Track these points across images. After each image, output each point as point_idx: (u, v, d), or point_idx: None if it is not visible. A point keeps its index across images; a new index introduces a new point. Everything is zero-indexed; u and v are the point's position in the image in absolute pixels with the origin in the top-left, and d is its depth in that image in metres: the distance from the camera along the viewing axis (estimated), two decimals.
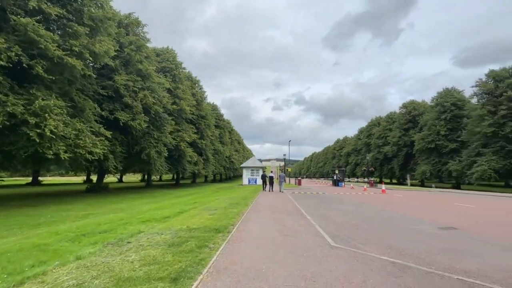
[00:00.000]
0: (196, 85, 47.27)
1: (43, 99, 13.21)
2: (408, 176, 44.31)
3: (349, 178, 59.85)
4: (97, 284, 2.87)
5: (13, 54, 12.32)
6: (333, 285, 2.88)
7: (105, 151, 18.90)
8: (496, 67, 35.20)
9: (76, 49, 15.59)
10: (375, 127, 63.52)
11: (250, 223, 6.85)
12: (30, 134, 12.61)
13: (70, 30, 16.16)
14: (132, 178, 67.74)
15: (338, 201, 13.67)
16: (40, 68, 13.36)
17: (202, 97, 46.26)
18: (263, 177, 23.36)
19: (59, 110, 14.57)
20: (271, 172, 23.93)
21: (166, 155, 27.61)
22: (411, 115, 50.51)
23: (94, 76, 19.57)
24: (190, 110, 36.47)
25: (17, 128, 13.06)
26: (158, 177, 65.53)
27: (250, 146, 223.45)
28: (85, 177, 44.83)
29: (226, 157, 59.40)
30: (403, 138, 50.11)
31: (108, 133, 19.39)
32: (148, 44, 27.83)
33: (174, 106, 31.36)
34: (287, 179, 34.61)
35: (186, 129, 35.47)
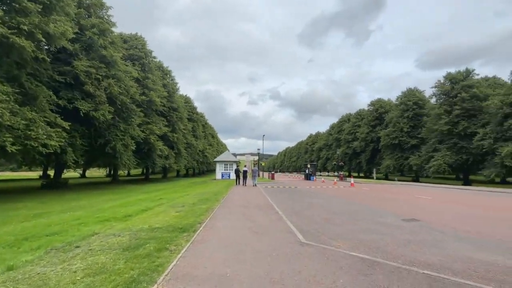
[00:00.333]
0: (168, 75, 45.14)
1: None
2: (374, 170, 46.93)
3: (320, 172, 61.92)
4: None
5: None
6: None
7: (62, 143, 17.20)
8: (453, 70, 38.25)
9: (25, 28, 13.80)
10: (346, 123, 66.16)
11: (218, 221, 6.56)
12: None
13: (17, 5, 14.21)
14: (97, 173, 63.41)
15: (309, 195, 13.87)
16: None
17: (174, 88, 44.30)
18: (237, 172, 23.40)
19: (4, 96, 12.87)
20: (245, 166, 23.77)
21: (134, 148, 26.01)
22: (378, 112, 53.29)
23: (49, 60, 17.64)
24: (161, 102, 34.68)
25: None
26: (126, 172, 62.22)
27: (225, 140, 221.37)
28: (41, 172, 40.88)
29: (200, 151, 57.94)
30: (371, 134, 52.82)
31: (66, 124, 17.67)
32: (114, 29, 25.72)
33: (143, 97, 29.57)
34: (260, 173, 34.78)
35: (157, 122, 33.77)
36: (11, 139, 12.95)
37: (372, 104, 56.37)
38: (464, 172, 35.83)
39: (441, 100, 37.84)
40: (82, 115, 19.54)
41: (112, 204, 11.49)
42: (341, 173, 39.26)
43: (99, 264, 3.32)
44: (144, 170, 46.02)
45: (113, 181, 34.79)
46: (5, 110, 12.44)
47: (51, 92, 17.71)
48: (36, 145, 14.64)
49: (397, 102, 47.62)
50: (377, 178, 44.77)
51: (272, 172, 41.91)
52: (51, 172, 33.63)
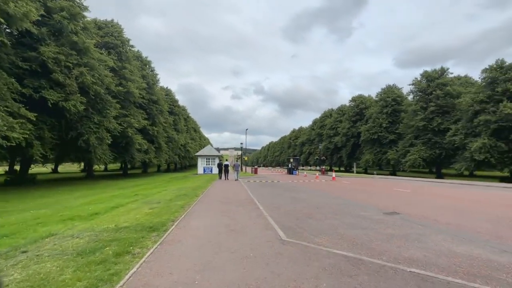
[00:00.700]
0: (147, 66, 43.17)
1: None
2: (354, 164, 48.17)
3: (303, 166, 62.70)
4: None
5: None
6: None
7: (27, 136, 15.84)
8: (429, 69, 39.80)
9: None
10: (328, 119, 67.19)
11: (194, 218, 6.14)
12: None
13: None
14: (72, 168, 60.05)
15: (292, 189, 13.75)
16: None
17: (154, 80, 42.49)
18: (219, 166, 23.25)
19: None
20: (226, 160, 23.45)
21: (110, 142, 24.62)
22: (359, 108, 54.51)
23: (9, 43, 16.06)
24: (140, 94, 33.04)
25: None
26: (103, 167, 59.51)
27: (208, 134, 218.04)
28: (7, 167, 37.88)
29: (181, 145, 56.45)
30: (352, 130, 54.02)
31: (32, 115, 16.28)
32: (87, 14, 23.89)
33: (120, 88, 27.95)
34: (243, 167, 34.51)
35: (135, 114, 32.20)
36: None
37: (353, 100, 57.51)
38: (437, 166, 37.65)
39: (417, 97, 39.29)
40: (50, 105, 18.06)
41: (83, 201, 10.67)
42: (323, 167, 39.89)
43: (42, 274, 2.81)
44: (123, 165, 44.14)
45: (88, 176, 32.99)
46: None
47: (13, 80, 16.14)
48: None
49: (377, 99, 48.92)
50: (357, 172, 46.03)
51: (255, 167, 41.74)
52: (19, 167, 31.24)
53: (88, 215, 6.50)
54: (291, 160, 36.58)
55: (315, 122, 75.66)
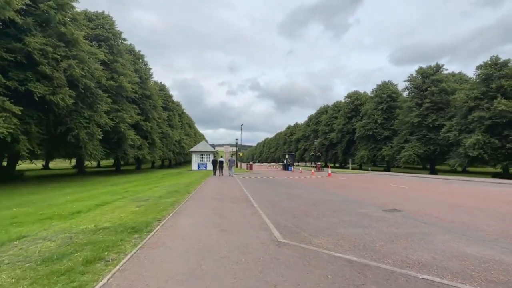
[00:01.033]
0: (140, 60, 42.16)
1: None
2: (350, 161, 48.26)
3: (298, 162, 62.67)
4: None
5: None
6: None
7: (12, 130, 15.16)
8: (425, 65, 39.77)
9: None
10: (323, 115, 67.09)
11: (183, 217, 5.74)
12: None
13: None
14: (64, 164, 58.82)
15: (287, 186, 13.47)
16: None
17: (147, 74, 41.54)
18: (214, 162, 22.93)
19: None
20: (221, 157, 23.16)
21: (101, 137, 23.93)
22: (354, 104, 54.45)
23: None
24: (132, 88, 32.22)
25: None
26: (96, 163, 58.46)
27: (204, 131, 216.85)
28: None
29: (176, 141, 55.67)
30: (347, 126, 54.02)
31: (17, 109, 15.57)
32: (77, 5, 22.93)
33: (111, 82, 27.16)
34: (238, 164, 34.21)
35: (128, 109, 31.40)
36: None
37: (348, 96, 57.42)
38: (431, 162, 37.88)
39: (412, 94, 39.33)
40: (37, 99, 17.32)
41: (69, 199, 10.17)
42: (318, 163, 39.81)
43: None
44: (116, 162, 43.31)
45: (79, 173, 32.25)
46: None
47: None
48: None
49: (372, 95, 48.90)
50: (352, 168, 46.12)
51: (251, 163, 41.42)
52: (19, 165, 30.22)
53: (69, 214, 6.06)
54: (287, 156, 36.38)
55: (310, 118, 75.53)
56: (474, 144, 26.79)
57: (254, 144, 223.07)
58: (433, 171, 36.45)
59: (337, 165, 63.34)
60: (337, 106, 62.26)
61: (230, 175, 20.75)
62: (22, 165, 31.28)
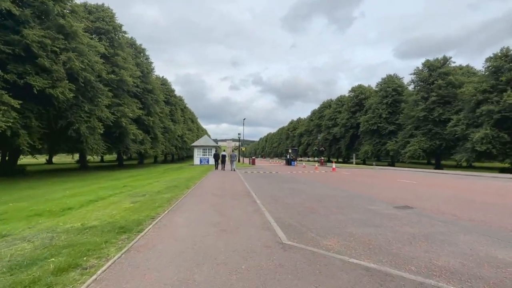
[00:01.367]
0: (142, 54, 41.76)
1: None
2: (354, 155, 47.74)
3: (301, 157, 62.25)
4: None
5: None
6: None
7: (11, 124, 14.95)
8: (431, 59, 38.75)
9: None
10: (327, 109, 66.33)
11: (179, 214, 5.37)
12: None
13: None
14: (67, 159, 59.13)
15: (291, 181, 13.12)
16: None
17: (148, 68, 41.12)
18: (215, 156, 22.87)
19: None
20: (223, 151, 22.97)
21: (102, 131, 23.74)
22: (359, 98, 53.62)
23: None
24: (134, 82, 31.91)
25: None
26: (99, 157, 58.63)
27: (206, 126, 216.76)
28: None
29: (178, 136, 55.51)
30: (351, 120, 53.32)
31: (16, 102, 15.35)
32: None
33: (112, 76, 26.87)
34: (240, 158, 33.98)
35: (129, 104, 31.13)
36: None
37: (353, 90, 56.53)
38: (436, 156, 37.23)
39: (418, 87, 38.48)
40: (36, 92, 17.07)
41: (67, 193, 9.94)
42: (322, 158, 39.37)
43: None
44: (118, 156, 43.27)
45: (82, 167, 32.24)
46: None
47: None
48: None
49: (377, 89, 48.05)
50: (356, 163, 45.62)
51: (253, 158, 41.12)
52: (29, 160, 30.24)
53: (60, 210, 5.77)
54: (290, 151, 35.95)
55: (313, 113, 74.77)
56: (482, 139, 26.15)
57: (257, 139, 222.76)
58: (439, 166, 35.86)
59: (340, 160, 62.82)
60: (340, 100, 61.45)
61: (232, 169, 20.65)
62: (26, 160, 31.29)
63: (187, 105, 75.61)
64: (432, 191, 9.45)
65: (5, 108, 14.75)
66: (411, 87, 41.73)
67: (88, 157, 34.84)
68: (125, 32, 34.87)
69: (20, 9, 17.21)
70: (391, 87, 44.11)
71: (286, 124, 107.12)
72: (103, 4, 32.31)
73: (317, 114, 70.82)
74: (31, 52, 17.31)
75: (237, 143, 60.21)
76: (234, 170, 20.53)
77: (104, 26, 29.61)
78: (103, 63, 24.66)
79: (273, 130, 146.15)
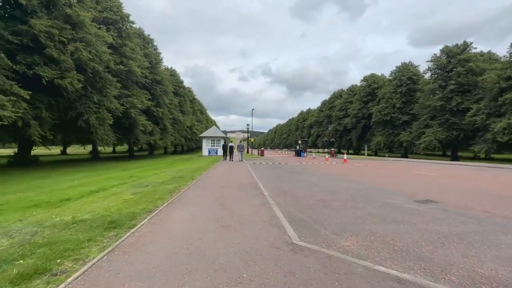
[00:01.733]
0: (150, 44, 41.46)
1: None
2: (365, 147, 46.61)
3: (311, 148, 61.49)
4: None
5: None
6: None
7: (20, 114, 15.06)
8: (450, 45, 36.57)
9: None
10: (337, 100, 64.70)
11: (179, 208, 4.98)
12: None
13: None
14: (81, 150, 60.61)
15: (301, 172, 12.67)
16: None
17: (157, 59, 40.91)
18: (224, 147, 22.96)
19: None
20: (231, 142, 23.02)
21: (111, 122, 23.85)
22: (371, 88, 51.86)
23: None
24: (142, 73, 31.82)
25: None
26: (112, 148, 59.75)
27: (215, 117, 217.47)
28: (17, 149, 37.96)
29: (187, 127, 55.67)
30: (362, 111, 51.80)
31: (25, 93, 15.39)
32: None
33: (121, 67, 26.77)
34: (249, 150, 33.76)
35: (138, 95, 31.12)
36: None
37: (365, 79, 54.67)
38: (453, 147, 35.71)
39: (435, 75, 36.61)
40: (45, 83, 17.11)
41: (75, 184, 9.88)
42: (332, 149, 38.54)
43: None
44: (129, 147, 43.84)
45: (93, 158, 32.82)
46: None
47: (3, 54, 15.10)
48: None
49: (390, 77, 46.21)
50: (368, 155, 44.53)
51: (262, 149, 40.79)
52: (39, 150, 31.05)
53: (58, 201, 5.57)
54: (299, 142, 35.29)
55: (324, 103, 73.18)
56: (504, 129, 24.72)
57: (266, 130, 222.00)
58: (455, 158, 34.41)
59: (351, 151, 61.62)
60: (352, 90, 59.69)
61: (240, 160, 20.71)
62: (40, 150, 32.08)
63: (196, 97, 75.51)
64: (453, 183, 8.77)
65: (15, 98, 14.82)
66: (427, 76, 39.83)
67: (100, 148, 35.43)
68: (132, 22, 34.56)
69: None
70: (405, 76, 42.30)
71: (295, 115, 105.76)
72: None
73: (328, 105, 69.26)
74: (39, 42, 17.28)
75: (246, 135, 59.96)
76: (241, 160, 20.59)
77: (111, 16, 29.34)
78: (111, 53, 24.54)
79: (282, 121, 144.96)
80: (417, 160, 28.51)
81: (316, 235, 3.54)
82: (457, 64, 33.48)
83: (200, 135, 38.46)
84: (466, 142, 33.05)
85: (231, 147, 21.44)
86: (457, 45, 35.37)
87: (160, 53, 43.70)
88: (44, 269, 2.48)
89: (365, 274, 2.43)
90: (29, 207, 5.16)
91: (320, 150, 55.99)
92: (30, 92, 15.68)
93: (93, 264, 2.63)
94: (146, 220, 4.13)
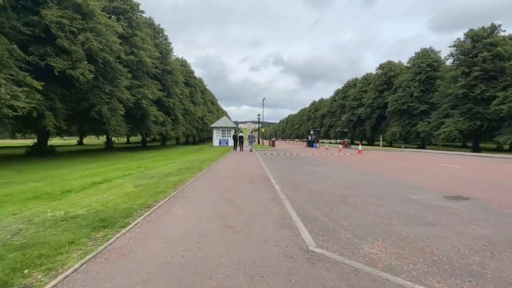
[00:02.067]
0: (160, 34, 41.17)
1: None
2: (381, 137, 45.12)
3: (323, 139, 60.35)
4: None
5: None
6: None
7: (34, 105, 15.24)
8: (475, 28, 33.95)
9: None
10: (351, 89, 62.66)
11: (180, 203, 4.57)
12: None
13: None
14: (97, 141, 62.29)
15: (314, 163, 12.16)
16: None
17: (167, 49, 40.65)
18: (235, 138, 22.98)
19: None
20: (241, 132, 22.98)
21: (123, 113, 24.01)
22: (387, 76, 49.67)
23: (10, 7, 14.97)
24: (153, 63, 31.72)
25: None
26: (126, 139, 60.92)
27: (227, 108, 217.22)
28: (36, 140, 39.31)
29: (199, 118, 55.77)
30: (377, 100, 49.91)
31: (38, 84, 15.52)
32: None
33: (131, 57, 26.74)
34: (260, 140, 33.45)
35: (149, 85, 31.14)
36: None
37: (381, 67, 52.36)
38: (475, 138, 33.84)
39: (458, 61, 34.35)
40: (57, 73, 17.22)
41: (86, 173, 9.86)
42: (346, 140, 37.48)
43: None
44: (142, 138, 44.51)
45: (107, 148, 33.48)
46: None
47: (15, 46, 15.18)
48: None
49: (408, 65, 43.93)
50: (383, 146, 43.13)
51: (273, 139, 40.28)
52: (55, 141, 32.01)
53: (59, 193, 5.40)
54: (311, 132, 34.48)
55: (337, 93, 71.14)
56: None
57: (277, 121, 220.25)
58: (477, 149, 32.62)
59: (364, 142, 60.02)
60: (367, 78, 57.47)
61: (250, 150, 20.55)
62: (57, 141, 32.95)
63: (207, 87, 75.25)
64: (483, 177, 8.02)
65: (28, 89, 14.97)
66: (448, 62, 37.49)
67: (114, 139, 36.00)
68: (142, 12, 34.18)
69: None
70: (425, 63, 40.05)
71: (307, 105, 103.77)
72: None
73: (341, 94, 67.27)
74: (51, 33, 17.31)
75: (257, 125, 59.48)
76: (251, 151, 20.48)
77: (121, 5, 29.09)
78: (121, 43, 24.40)
79: (294, 111, 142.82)
80: (436, 151, 27.19)
81: (335, 238, 3.07)
82: (483, 49, 31.20)
83: (211, 126, 38.34)
84: (489, 133, 31.17)
85: (241, 137, 21.44)
86: (483, 28, 32.84)
87: (170, 43, 43.41)
88: (3, 283, 2.01)
89: None
90: (29, 199, 5.03)
91: (332, 141, 54.78)
92: (43, 83, 15.80)
93: (66, 277, 2.16)
94: (141, 217, 3.76)
